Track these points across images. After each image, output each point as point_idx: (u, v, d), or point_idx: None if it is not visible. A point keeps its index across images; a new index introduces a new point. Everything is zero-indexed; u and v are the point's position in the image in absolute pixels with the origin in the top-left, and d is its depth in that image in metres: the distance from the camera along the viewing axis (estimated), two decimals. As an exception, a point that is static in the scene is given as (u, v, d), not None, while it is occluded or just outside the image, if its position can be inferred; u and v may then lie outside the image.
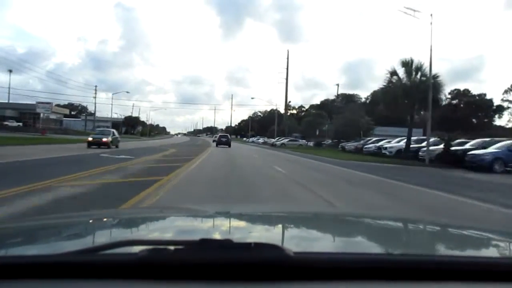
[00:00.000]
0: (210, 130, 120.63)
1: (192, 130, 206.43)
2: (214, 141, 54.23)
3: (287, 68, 70.25)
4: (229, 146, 42.54)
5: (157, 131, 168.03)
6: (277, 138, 63.94)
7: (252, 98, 76.66)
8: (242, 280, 0.83)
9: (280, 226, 1.67)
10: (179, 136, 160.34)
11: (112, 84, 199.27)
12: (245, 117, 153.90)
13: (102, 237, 1.41)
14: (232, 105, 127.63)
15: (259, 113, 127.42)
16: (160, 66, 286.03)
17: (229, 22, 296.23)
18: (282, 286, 0.83)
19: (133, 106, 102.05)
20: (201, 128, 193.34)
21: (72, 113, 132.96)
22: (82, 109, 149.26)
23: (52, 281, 0.83)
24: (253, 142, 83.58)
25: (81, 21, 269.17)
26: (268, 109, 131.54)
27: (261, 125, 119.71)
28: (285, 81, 70.28)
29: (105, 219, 1.73)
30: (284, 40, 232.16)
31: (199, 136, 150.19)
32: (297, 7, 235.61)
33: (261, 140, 79.39)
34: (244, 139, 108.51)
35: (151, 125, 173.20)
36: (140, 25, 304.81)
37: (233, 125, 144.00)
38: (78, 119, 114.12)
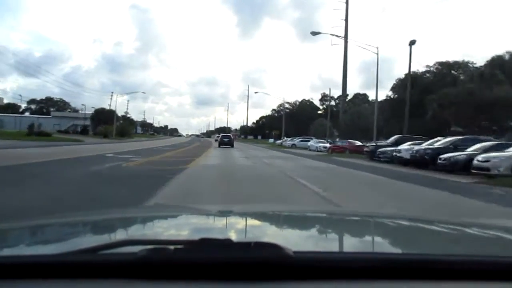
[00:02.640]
0: (223, 131, 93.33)
1: (205, 131, 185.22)
2: (216, 140, 54.81)
3: (347, 21, 38.48)
4: (232, 146, 41.12)
5: (154, 131, 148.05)
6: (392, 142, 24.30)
7: (315, 31, 35.78)
8: (242, 279, 0.82)
9: (280, 225, 1.66)
10: (187, 136, 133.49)
11: (128, 86, 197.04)
12: (268, 113, 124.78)
13: (102, 237, 1.40)
14: (248, 99, 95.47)
15: (287, 105, 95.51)
16: (176, 68, 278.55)
17: (245, 21, 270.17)
18: (282, 285, 0.83)
19: (111, 95, 70.43)
20: (213, 129, 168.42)
21: (52, 109, 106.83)
22: (65, 104, 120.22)
23: (52, 281, 0.83)
24: (293, 145, 49.04)
25: (97, 23, 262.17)
26: (300, 99, 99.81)
27: (289, 122, 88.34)
28: (343, 41, 38.41)
29: (105, 219, 1.71)
30: (302, 39, 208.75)
31: (202, 137, 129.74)
32: (316, 4, 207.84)
33: (317, 144, 41.98)
34: (271, 141, 74.17)
35: (149, 124, 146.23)
36: (156, 26, 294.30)
37: (249, 124, 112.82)
38: (48, 117, 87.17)
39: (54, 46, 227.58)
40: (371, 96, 61.94)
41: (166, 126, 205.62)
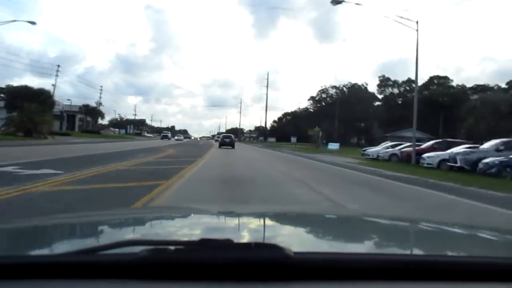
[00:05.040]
0: (236, 132, 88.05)
1: (216, 133, 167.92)
2: (216, 141, 53.91)
3: None
4: (233, 147, 39.95)
5: (157, 131, 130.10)
6: None
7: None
8: (242, 280, 0.83)
9: (280, 226, 1.67)
10: (176, 140, 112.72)
11: (141, 87, 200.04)
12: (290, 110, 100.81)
13: (102, 237, 1.40)
14: (267, 88, 79.97)
15: (331, 90, 69.24)
16: (189, 69, 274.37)
17: (261, 21, 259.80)
18: (283, 286, 0.83)
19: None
20: (224, 131, 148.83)
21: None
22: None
23: (53, 281, 0.83)
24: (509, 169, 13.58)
25: (111, 24, 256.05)
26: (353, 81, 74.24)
27: (328, 115, 64.43)
28: None
29: (105, 219, 1.71)
30: (320, 40, 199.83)
31: (208, 139, 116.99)
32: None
33: None
34: (334, 147, 40.42)
35: (140, 122, 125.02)
36: (170, 27, 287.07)
37: (266, 124, 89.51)
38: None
39: (68, 47, 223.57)
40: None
41: (173, 127, 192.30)
